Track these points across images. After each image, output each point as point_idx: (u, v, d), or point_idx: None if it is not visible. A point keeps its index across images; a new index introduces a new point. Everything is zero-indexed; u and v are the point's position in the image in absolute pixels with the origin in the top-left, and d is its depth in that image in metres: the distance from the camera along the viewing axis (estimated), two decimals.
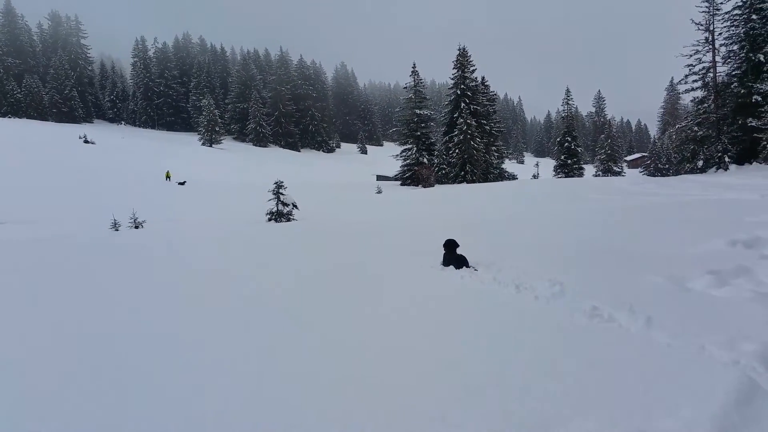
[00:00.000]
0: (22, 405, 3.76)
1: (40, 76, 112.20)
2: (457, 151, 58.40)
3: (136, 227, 20.11)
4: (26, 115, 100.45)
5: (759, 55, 37.75)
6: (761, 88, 34.87)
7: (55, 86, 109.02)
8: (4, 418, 3.55)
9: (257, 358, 4.56)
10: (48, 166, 45.49)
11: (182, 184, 47.05)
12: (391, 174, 68.74)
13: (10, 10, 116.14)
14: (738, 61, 40.68)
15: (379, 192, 44.94)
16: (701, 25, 42.65)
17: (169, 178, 50.73)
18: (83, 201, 30.24)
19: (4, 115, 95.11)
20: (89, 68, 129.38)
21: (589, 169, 78.00)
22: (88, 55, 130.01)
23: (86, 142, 70.84)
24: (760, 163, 36.22)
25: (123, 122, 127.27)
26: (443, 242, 8.40)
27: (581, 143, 76.48)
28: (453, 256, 8.15)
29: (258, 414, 3.42)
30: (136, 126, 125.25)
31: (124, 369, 4.41)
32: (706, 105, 42.99)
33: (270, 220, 22.16)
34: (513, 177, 63.50)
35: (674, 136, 49.72)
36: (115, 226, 19.33)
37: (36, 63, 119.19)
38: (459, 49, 62.43)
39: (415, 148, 63.11)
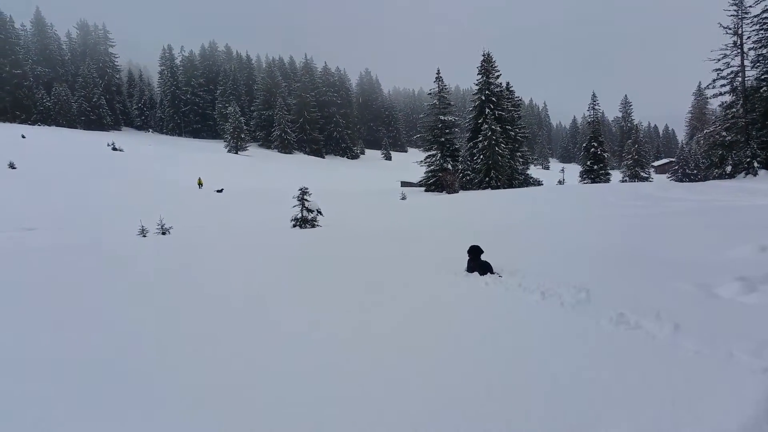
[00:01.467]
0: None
1: (69, 84, 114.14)
2: (481, 157, 58.21)
3: (163, 233, 20.37)
4: (55, 123, 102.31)
5: None
6: None
7: (83, 94, 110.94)
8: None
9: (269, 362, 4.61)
10: (77, 173, 46.29)
11: (220, 191, 47.01)
12: (415, 180, 68.57)
13: (39, 20, 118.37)
14: (767, 65, 40.06)
15: (404, 198, 44.88)
16: (729, 28, 42.14)
17: (201, 185, 50.95)
18: (114, 208, 30.66)
19: (33, 123, 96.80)
20: (117, 76, 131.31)
21: (616, 175, 77.37)
22: (115, 63, 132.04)
23: (114, 149, 71.88)
24: None
25: (150, 130, 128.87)
26: (467, 248, 8.38)
27: (607, 148, 75.75)
28: (477, 263, 8.10)
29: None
30: (163, 133, 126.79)
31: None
32: (734, 110, 42.38)
33: (295, 226, 22.27)
34: (538, 183, 63.16)
35: (702, 141, 49.08)
36: (143, 232, 19.60)
37: (65, 71, 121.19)
38: (483, 55, 62.21)
39: (439, 154, 62.91)
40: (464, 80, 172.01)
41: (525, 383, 3.83)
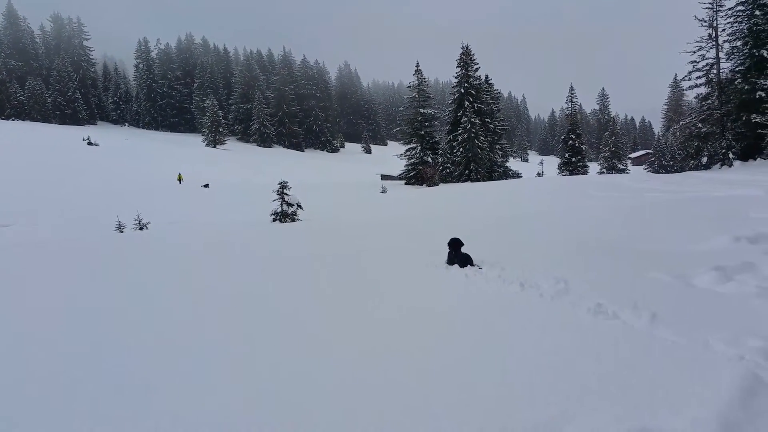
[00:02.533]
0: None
1: (43, 78, 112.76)
2: (461, 149, 58.35)
3: (140, 229, 20.19)
4: (30, 118, 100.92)
5: (762, 50, 37.69)
6: (765, 84, 34.88)
7: (58, 88, 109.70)
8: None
9: (259, 361, 4.56)
10: (52, 168, 45.72)
11: (206, 186, 46.29)
12: (395, 173, 68.60)
13: (11, 12, 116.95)
14: (741, 57, 40.58)
15: (384, 191, 44.97)
16: (705, 21, 42.72)
17: (181, 180, 50.03)
18: (91, 203, 30.27)
19: (7, 118, 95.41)
20: (92, 70, 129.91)
21: (594, 167, 77.96)
22: (90, 57, 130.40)
23: (90, 144, 70.88)
24: (765, 159, 36.22)
25: (126, 124, 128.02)
26: (448, 241, 8.40)
27: (585, 141, 76.40)
28: (458, 255, 8.08)
29: (260, 413, 3.43)
30: (139, 127, 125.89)
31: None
32: (709, 101, 43.04)
33: (275, 220, 22.20)
34: (517, 175, 63.44)
35: (678, 133, 49.83)
36: (120, 228, 19.42)
37: (39, 65, 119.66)
38: (462, 48, 62.16)
39: (419, 147, 62.99)
40: (443, 73, 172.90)
41: (505, 372, 3.83)
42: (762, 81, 35.53)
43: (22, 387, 4.09)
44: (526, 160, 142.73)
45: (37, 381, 4.20)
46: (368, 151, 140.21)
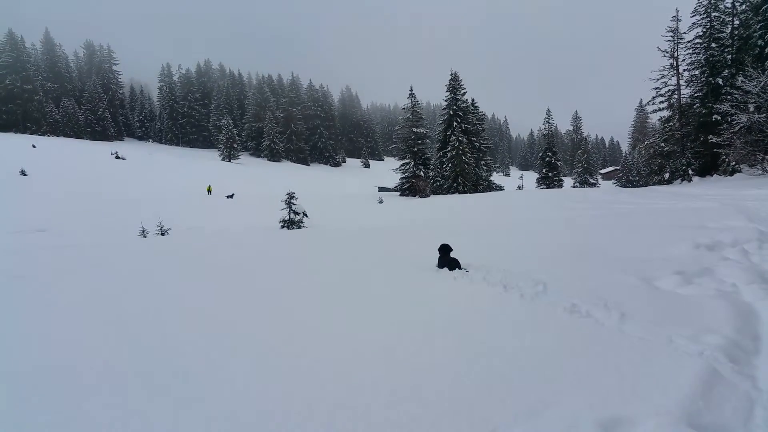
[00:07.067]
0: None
1: (76, 98, 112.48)
2: (450, 165, 58.35)
3: (162, 234, 20.10)
4: (64, 134, 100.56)
5: (718, 79, 38.18)
6: (720, 108, 34.99)
7: (89, 108, 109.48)
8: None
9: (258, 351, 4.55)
10: (83, 179, 45.69)
11: (230, 197, 45.64)
12: (391, 186, 68.48)
13: (49, 40, 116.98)
14: (699, 85, 41.12)
15: (381, 202, 44.83)
16: (667, 52, 43.32)
17: (210, 192, 49.52)
18: (119, 211, 30.10)
19: (43, 134, 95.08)
20: (120, 92, 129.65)
21: (568, 181, 78.09)
22: (119, 80, 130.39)
23: (117, 158, 70.87)
24: (720, 175, 36.35)
25: (150, 140, 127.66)
26: (438, 247, 8.41)
27: (560, 158, 76.79)
28: (447, 259, 8.11)
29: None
30: (162, 143, 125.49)
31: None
32: (671, 123, 43.52)
33: (283, 227, 22.13)
34: (500, 188, 63.51)
35: (643, 152, 50.05)
36: (143, 233, 19.34)
37: (72, 87, 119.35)
38: (451, 74, 62.34)
39: (412, 163, 62.88)
40: (434, 96, 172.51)
41: (489, 364, 3.84)
42: (717, 106, 35.68)
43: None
44: (508, 175, 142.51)
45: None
46: (367, 165, 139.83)
